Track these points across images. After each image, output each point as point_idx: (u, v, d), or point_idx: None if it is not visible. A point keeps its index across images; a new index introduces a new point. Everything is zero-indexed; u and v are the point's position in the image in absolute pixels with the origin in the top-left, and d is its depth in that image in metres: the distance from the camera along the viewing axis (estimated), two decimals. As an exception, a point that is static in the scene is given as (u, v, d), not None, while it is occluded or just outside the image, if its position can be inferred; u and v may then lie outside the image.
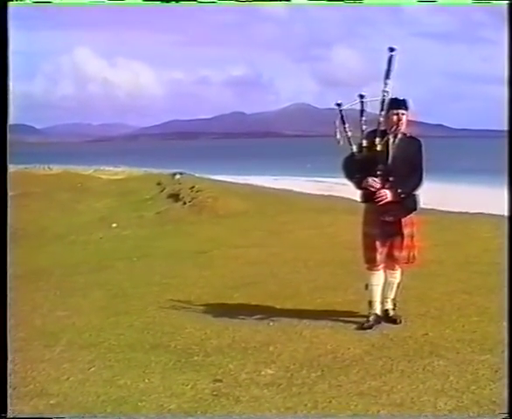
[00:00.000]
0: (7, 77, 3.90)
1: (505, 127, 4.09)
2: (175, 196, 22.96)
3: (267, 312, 6.73)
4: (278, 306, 7.11)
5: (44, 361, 5.34)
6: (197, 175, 32.10)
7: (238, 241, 13.30)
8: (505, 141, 4.03)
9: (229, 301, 7.58)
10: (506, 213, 4.20)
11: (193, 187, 23.33)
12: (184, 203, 21.15)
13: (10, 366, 4.05)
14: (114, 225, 17.90)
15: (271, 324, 6.34)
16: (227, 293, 7.98)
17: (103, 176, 33.42)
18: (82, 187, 26.74)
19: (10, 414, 4.01)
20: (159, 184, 27.16)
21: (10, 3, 3.88)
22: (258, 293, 7.87)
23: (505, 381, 4.16)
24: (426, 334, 5.81)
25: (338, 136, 5.97)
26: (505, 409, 3.96)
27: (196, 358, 5.39)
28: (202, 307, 7.22)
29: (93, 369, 5.14)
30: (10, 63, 3.86)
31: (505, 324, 5.73)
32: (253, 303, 7.35)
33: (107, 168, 42.48)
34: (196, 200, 21.02)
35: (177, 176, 28.75)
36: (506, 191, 4.12)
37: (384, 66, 5.83)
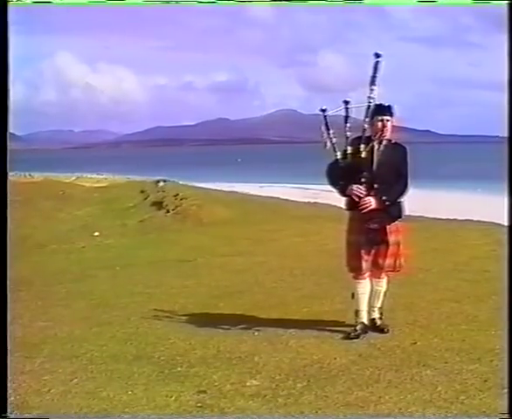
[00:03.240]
0: (7, 78, 3.91)
1: (497, 133, 4.15)
2: (158, 204, 22.87)
3: (253, 322, 6.73)
4: (263, 316, 7.11)
5: (24, 373, 5.31)
6: (180, 182, 31.98)
7: (222, 249, 13.29)
8: (504, 148, 4.07)
9: (213, 311, 7.58)
10: (503, 221, 4.23)
11: (177, 194, 23.26)
12: (168, 211, 21.09)
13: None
14: (97, 234, 17.83)
15: (256, 334, 6.34)
16: (212, 303, 7.98)
17: (85, 184, 33.24)
18: (64, 195, 26.57)
19: (10, 414, 4.07)
20: (142, 192, 27.03)
21: (10, 3, 3.95)
22: (243, 303, 7.88)
23: (505, 381, 4.19)
24: (414, 343, 5.83)
25: (326, 141, 5.97)
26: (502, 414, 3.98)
27: (180, 369, 5.38)
28: (186, 317, 7.21)
29: (75, 381, 5.12)
30: (10, 64, 3.89)
31: (494, 332, 5.81)
32: (238, 312, 7.35)
33: (89, 176, 42.34)
34: (180, 208, 20.97)
35: (161, 184, 28.63)
36: (506, 200, 4.14)
37: (370, 72, 5.86)
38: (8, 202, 3.88)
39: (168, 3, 4.46)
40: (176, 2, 4.47)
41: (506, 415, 3.98)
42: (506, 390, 4.10)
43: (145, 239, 16.40)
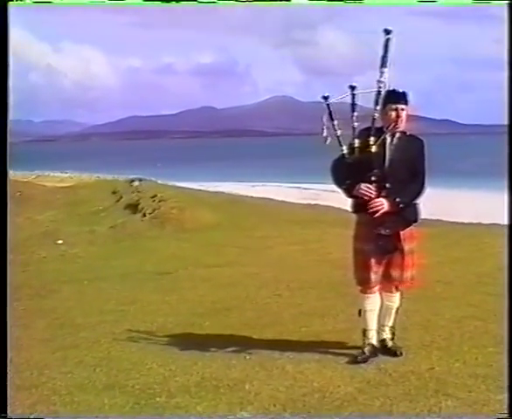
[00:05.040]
0: (7, 78, 4.35)
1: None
2: (133, 207, 22.86)
3: (243, 344, 6.72)
4: (256, 336, 7.11)
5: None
6: (159, 181, 32.00)
7: (208, 259, 13.28)
8: (506, 143, 4.11)
9: (198, 331, 7.58)
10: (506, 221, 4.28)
11: (155, 196, 23.25)
12: (144, 215, 21.07)
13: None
14: (61, 242, 17.77)
15: (247, 357, 6.33)
16: (196, 321, 7.98)
17: (47, 183, 33.22)
18: (22, 196, 26.51)
19: (10, 414, 4.33)
20: (114, 193, 27.02)
21: (10, 3, 4.49)
22: (232, 321, 7.87)
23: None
24: (432, 369, 5.82)
25: (325, 134, 5.96)
26: None
27: (158, 399, 5.36)
28: (165, 339, 7.20)
29: (33, 416, 5.09)
30: (10, 63, 4.39)
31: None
32: (227, 333, 7.35)
33: (51, 174, 42.30)
34: (158, 211, 20.95)
35: (136, 183, 28.62)
36: (506, 196, 4.17)
37: (380, 52, 5.85)
38: (8, 202, 4.25)
39: (168, 2, 4.96)
40: (176, 2, 4.93)
41: (506, 415, 4.20)
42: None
43: (117, 248, 16.36)
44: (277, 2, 4.90)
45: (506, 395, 5.07)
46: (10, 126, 4.53)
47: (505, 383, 5.29)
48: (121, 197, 25.45)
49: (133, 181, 29.71)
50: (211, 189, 31.79)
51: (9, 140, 4.40)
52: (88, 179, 37.48)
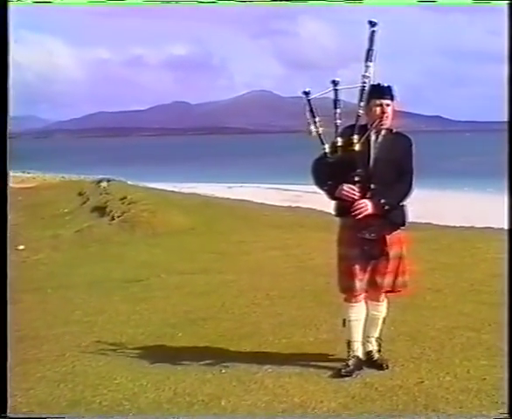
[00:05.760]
0: (7, 77, 4.53)
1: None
2: (101, 210, 22.80)
3: (219, 357, 6.72)
4: (232, 349, 7.11)
5: None
6: (129, 182, 31.90)
7: (181, 266, 13.27)
8: (506, 143, 4.16)
9: (170, 343, 7.57)
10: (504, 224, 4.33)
11: (124, 198, 23.20)
12: (113, 219, 21.02)
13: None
14: (22, 247, 17.69)
15: (223, 371, 6.32)
16: (168, 333, 7.97)
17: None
18: (-20, 198, 26.35)
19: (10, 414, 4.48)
20: (80, 194, 26.94)
21: (10, 3, 4.69)
22: (207, 332, 7.87)
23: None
24: (421, 383, 5.83)
25: (311, 131, 5.95)
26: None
27: (127, 417, 5.35)
28: (136, 351, 7.19)
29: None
30: (10, 62, 4.60)
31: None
32: (201, 345, 7.35)
33: (12, 174, 42.01)
34: (127, 214, 20.91)
35: (104, 184, 28.53)
36: (505, 198, 4.22)
37: (365, 43, 5.86)
38: (8, 203, 4.58)
39: (168, 2, 5.21)
40: (176, 2, 5.22)
41: (506, 415, 4.29)
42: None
43: (84, 254, 16.32)
44: (277, 2, 5.05)
45: (502, 411, 5.11)
46: (10, 126, 4.71)
47: (499, 398, 5.34)
48: (88, 199, 25.38)
49: (100, 181, 29.61)
50: (184, 191, 31.77)
51: (9, 139, 4.65)
52: (52, 179, 37.29)
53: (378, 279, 6.07)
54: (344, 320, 6.21)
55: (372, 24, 5.78)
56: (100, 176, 32.25)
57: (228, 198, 29.08)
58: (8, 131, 4.48)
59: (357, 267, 5.99)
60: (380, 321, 6.33)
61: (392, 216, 5.94)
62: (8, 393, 4.36)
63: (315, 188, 6.14)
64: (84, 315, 9.18)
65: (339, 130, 5.90)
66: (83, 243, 18.03)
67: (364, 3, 4.71)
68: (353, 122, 5.87)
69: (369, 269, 6.04)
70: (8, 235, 4.20)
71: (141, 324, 8.51)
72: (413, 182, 5.98)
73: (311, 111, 5.93)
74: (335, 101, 5.91)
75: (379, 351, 6.34)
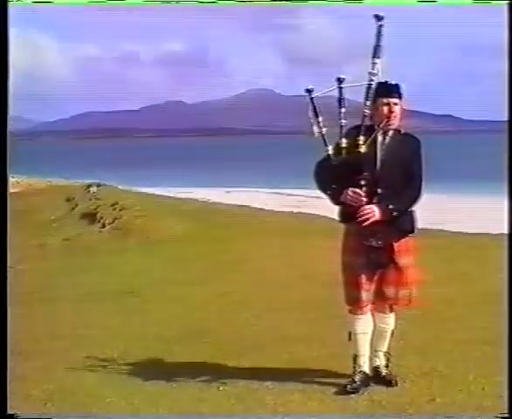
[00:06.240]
0: (7, 77, 4.78)
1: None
2: (90, 216, 22.79)
3: (217, 373, 6.73)
4: (231, 364, 7.13)
5: None
6: (120, 187, 31.92)
7: (177, 276, 13.25)
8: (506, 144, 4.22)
9: (166, 358, 7.58)
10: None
11: (115, 203, 23.19)
12: (103, 226, 21.01)
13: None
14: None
15: (221, 388, 6.34)
16: (163, 347, 7.97)
17: (-9, 190, 32.98)
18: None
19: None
20: (69, 200, 26.92)
21: (10, 3, 4.96)
22: (204, 347, 7.88)
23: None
24: (433, 400, 5.84)
25: (314, 128, 5.95)
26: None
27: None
28: (128, 367, 7.20)
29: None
30: (10, 63, 4.84)
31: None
32: (198, 360, 7.36)
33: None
34: (119, 221, 20.90)
35: (94, 189, 28.53)
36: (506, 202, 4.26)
37: (372, 38, 5.86)
38: (8, 206, 4.88)
39: (168, 3, 5.57)
40: (177, 2, 5.58)
41: (506, 415, 4.40)
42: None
43: (72, 264, 16.29)
44: (277, 2, 5.26)
45: None
46: (10, 128, 4.84)
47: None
48: (77, 205, 25.36)
49: (90, 186, 29.61)
50: (180, 196, 31.73)
51: (9, 144, 4.95)
52: (38, 184, 37.26)
53: (386, 290, 6.07)
54: (350, 334, 6.21)
55: (379, 18, 5.79)
56: (90, 181, 32.26)
57: (226, 203, 29.07)
58: (8, 134, 4.57)
59: (363, 277, 5.99)
60: (388, 334, 6.34)
61: (401, 223, 5.94)
62: (8, 393, 4.48)
63: (319, 193, 6.13)
64: (72, 329, 9.17)
65: (344, 131, 5.90)
66: (71, 253, 18.02)
67: (364, 3, 4.83)
68: (359, 122, 5.88)
69: (375, 279, 6.04)
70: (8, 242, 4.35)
71: (134, 338, 8.51)
72: (423, 186, 5.98)
73: (314, 110, 5.94)
74: (340, 100, 5.91)
75: (387, 366, 6.34)
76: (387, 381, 6.20)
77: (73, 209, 25.06)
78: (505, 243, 14.55)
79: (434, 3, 4.94)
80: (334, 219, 6.38)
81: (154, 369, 7.08)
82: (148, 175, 56.88)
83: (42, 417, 4.43)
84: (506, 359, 4.98)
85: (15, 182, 38.43)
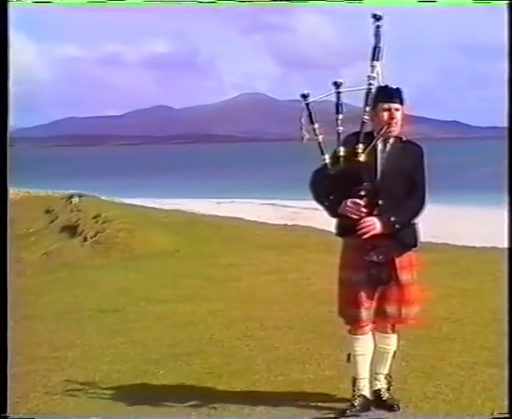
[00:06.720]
0: (7, 78, 5.01)
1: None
2: (71, 229, 22.79)
3: (206, 397, 6.72)
4: (221, 387, 7.11)
5: None
6: (103, 197, 31.93)
7: (163, 293, 13.25)
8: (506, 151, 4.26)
9: (151, 381, 7.56)
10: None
11: (98, 215, 23.19)
12: (85, 239, 21.01)
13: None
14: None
15: (211, 413, 6.33)
16: (148, 369, 7.96)
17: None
18: None
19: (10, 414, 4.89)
20: (48, 211, 26.92)
21: (10, 3, 5.19)
22: (192, 369, 7.87)
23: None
24: (437, 426, 5.85)
25: (309, 136, 5.94)
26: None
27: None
28: (111, 391, 7.17)
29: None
30: (10, 63, 5.08)
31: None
32: (186, 383, 7.34)
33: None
34: (102, 234, 20.90)
35: (75, 200, 28.53)
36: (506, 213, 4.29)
37: (371, 41, 5.86)
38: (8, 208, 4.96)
39: (168, 3, 5.89)
40: (177, 2, 5.79)
41: (506, 415, 4.54)
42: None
43: (51, 280, 16.28)
44: (277, 2, 5.39)
45: None
46: (10, 130, 4.92)
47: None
48: (57, 217, 25.35)
49: (71, 197, 29.60)
50: (166, 207, 31.77)
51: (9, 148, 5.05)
52: (15, 195, 37.20)
53: (387, 308, 6.05)
54: (349, 355, 6.20)
55: (377, 17, 5.77)
56: (71, 191, 32.26)
57: (216, 215, 29.09)
58: (8, 140, 4.68)
59: (363, 294, 5.96)
60: (390, 356, 6.31)
61: (403, 236, 5.92)
62: (8, 393, 4.67)
63: (315, 204, 6.11)
64: (51, 350, 9.15)
65: (342, 138, 5.88)
66: (51, 268, 18.01)
67: (364, 3, 4.89)
68: (358, 129, 5.87)
69: (376, 296, 6.02)
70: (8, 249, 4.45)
71: (118, 360, 8.50)
72: (426, 197, 5.97)
73: (309, 116, 5.93)
74: (338, 105, 5.91)
75: (389, 389, 6.32)
76: (388, 406, 6.17)
77: (53, 221, 25.05)
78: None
79: (435, 2, 5.00)
80: (331, 232, 6.37)
81: (139, 393, 7.06)
82: (132, 185, 56.98)
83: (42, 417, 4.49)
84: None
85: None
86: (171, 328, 10.10)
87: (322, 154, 5.89)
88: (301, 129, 5.91)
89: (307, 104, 5.95)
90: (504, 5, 4.80)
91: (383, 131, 5.84)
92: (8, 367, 4.88)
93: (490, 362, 7.45)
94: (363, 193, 5.77)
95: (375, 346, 6.21)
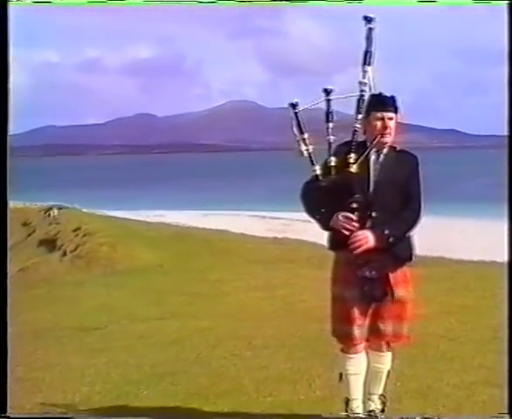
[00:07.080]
0: (7, 78, 5.23)
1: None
2: (50, 243, 22.78)
3: (192, 417, 6.71)
4: (208, 408, 7.11)
5: None
6: (84, 209, 31.89)
7: (146, 310, 13.25)
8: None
9: (133, 403, 7.54)
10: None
11: (78, 228, 23.19)
12: (65, 254, 21.01)
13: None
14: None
15: (197, 436, 6.34)
16: (131, 391, 7.95)
17: None
18: None
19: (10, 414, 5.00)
20: (25, 224, 26.89)
21: (9, 3, 5.39)
22: (177, 389, 7.86)
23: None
24: (434, 449, 5.86)
25: (301, 148, 5.92)
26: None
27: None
28: (91, 414, 7.16)
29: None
30: (10, 64, 5.30)
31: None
32: (171, 404, 7.33)
33: None
34: (82, 248, 20.90)
35: (54, 212, 28.50)
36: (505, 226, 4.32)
37: (362, 46, 5.86)
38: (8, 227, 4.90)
39: (168, 3, 5.98)
40: (177, 2, 6.21)
41: (506, 416, 4.61)
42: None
43: (28, 297, 16.24)
44: (276, 2, 5.49)
45: None
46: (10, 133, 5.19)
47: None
48: (34, 231, 25.34)
49: (50, 209, 29.56)
50: (150, 220, 31.78)
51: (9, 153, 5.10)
52: (-9, 207, 37.15)
53: (381, 325, 6.03)
54: (341, 374, 6.17)
55: (368, 19, 5.72)
56: (50, 203, 32.20)
57: (203, 228, 29.09)
58: (8, 148, 5.02)
59: (356, 311, 5.93)
60: (384, 375, 6.30)
61: (397, 250, 5.89)
62: (8, 393, 4.78)
63: (306, 217, 6.09)
64: (28, 371, 9.14)
65: (333, 148, 5.85)
66: (28, 284, 17.97)
67: (364, 3, 4.93)
68: (349, 139, 5.86)
69: (370, 313, 5.99)
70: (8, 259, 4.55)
71: (99, 380, 8.48)
72: (422, 209, 5.94)
73: (299, 126, 5.91)
74: (328, 114, 5.86)
75: (383, 411, 6.31)
76: (383, 428, 6.19)
77: (30, 234, 25.04)
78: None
79: (434, 2, 5.03)
80: (323, 246, 6.37)
81: (120, 415, 7.05)
82: (114, 197, 56.88)
83: (42, 417, 4.51)
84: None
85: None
86: (155, 347, 10.10)
87: (313, 164, 5.83)
88: (298, 143, 5.86)
89: (295, 113, 5.92)
90: (504, 5, 4.81)
91: (376, 141, 5.79)
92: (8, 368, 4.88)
93: (489, 382, 7.46)
94: (355, 205, 5.72)
95: (368, 365, 6.19)
